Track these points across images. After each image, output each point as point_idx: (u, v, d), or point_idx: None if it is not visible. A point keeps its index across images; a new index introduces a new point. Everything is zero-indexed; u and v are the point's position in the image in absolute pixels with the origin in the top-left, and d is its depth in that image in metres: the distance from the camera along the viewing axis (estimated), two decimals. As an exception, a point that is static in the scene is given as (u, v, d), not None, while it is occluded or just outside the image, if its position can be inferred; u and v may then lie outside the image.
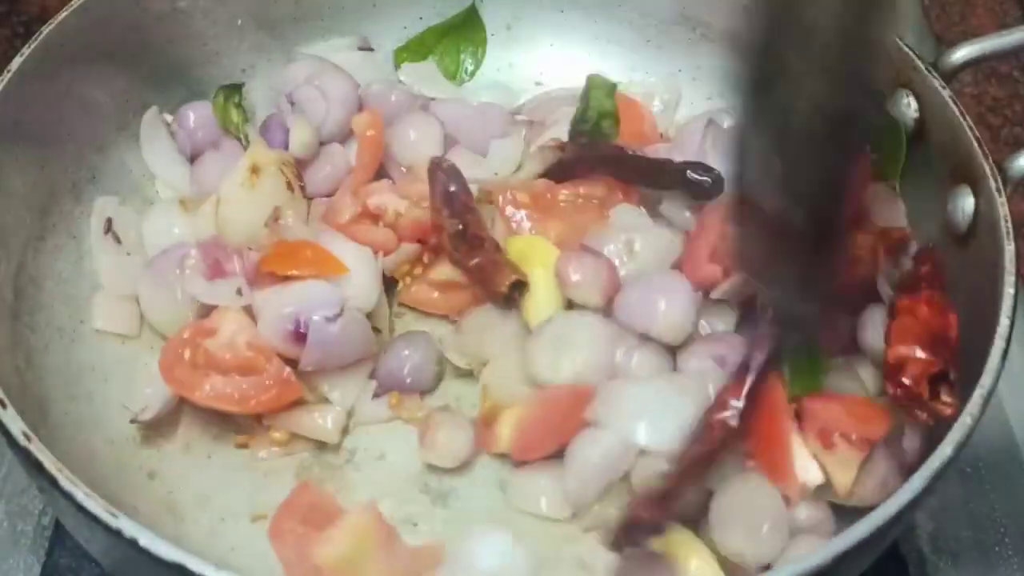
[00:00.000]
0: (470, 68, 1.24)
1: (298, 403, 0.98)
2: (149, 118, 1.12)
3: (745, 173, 0.60)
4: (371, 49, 1.21)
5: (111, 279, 1.05)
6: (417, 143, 1.11)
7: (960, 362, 0.88)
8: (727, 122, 1.08)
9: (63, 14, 1.02)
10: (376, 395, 1.01)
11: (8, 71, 0.97)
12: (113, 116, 1.10)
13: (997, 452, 1.09)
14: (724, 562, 0.86)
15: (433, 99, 1.18)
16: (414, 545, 0.91)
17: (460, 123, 1.14)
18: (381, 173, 1.11)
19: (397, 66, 1.21)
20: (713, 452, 0.85)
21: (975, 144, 0.96)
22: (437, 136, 1.12)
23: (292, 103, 1.11)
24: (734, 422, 0.85)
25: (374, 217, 1.05)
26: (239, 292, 0.98)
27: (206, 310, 1.00)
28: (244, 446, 0.99)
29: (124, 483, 0.94)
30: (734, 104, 0.64)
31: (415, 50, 1.22)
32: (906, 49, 1.03)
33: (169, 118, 1.14)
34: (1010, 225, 0.91)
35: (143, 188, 1.12)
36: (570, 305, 0.99)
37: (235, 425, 0.99)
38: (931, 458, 0.80)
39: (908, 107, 1.03)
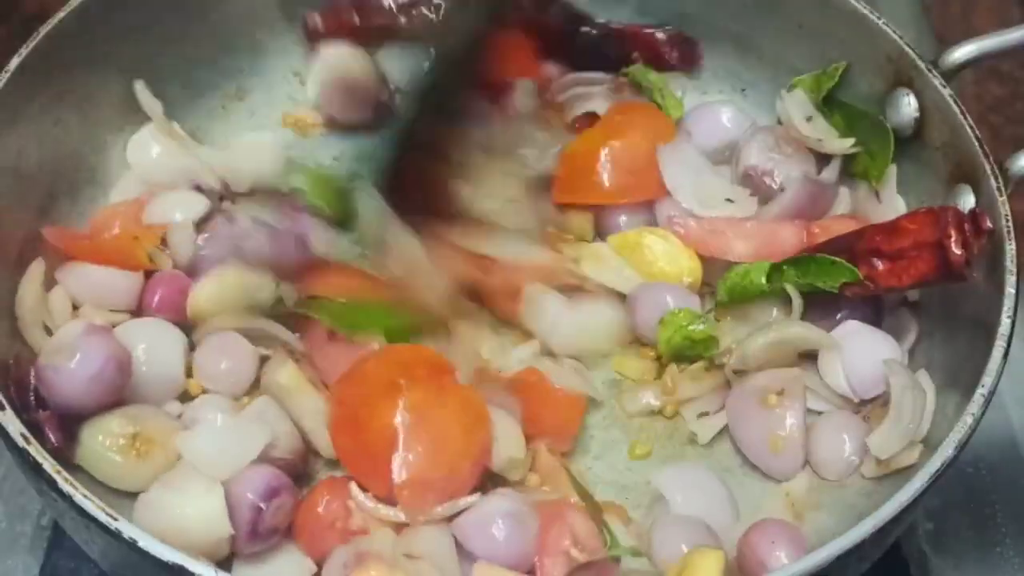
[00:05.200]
0: None
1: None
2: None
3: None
4: None
5: None
6: None
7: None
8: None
9: (62, 13, 1.02)
10: None
11: (6, 71, 0.97)
12: (112, 116, 1.09)
13: (999, 452, 1.09)
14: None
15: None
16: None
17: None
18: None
19: None
20: None
21: (976, 143, 0.96)
22: None
23: None
24: None
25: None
26: None
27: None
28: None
29: (123, 484, 0.94)
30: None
31: None
32: (907, 48, 1.03)
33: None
34: (1011, 224, 0.91)
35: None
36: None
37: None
38: (932, 458, 0.80)
39: (908, 106, 1.03)
